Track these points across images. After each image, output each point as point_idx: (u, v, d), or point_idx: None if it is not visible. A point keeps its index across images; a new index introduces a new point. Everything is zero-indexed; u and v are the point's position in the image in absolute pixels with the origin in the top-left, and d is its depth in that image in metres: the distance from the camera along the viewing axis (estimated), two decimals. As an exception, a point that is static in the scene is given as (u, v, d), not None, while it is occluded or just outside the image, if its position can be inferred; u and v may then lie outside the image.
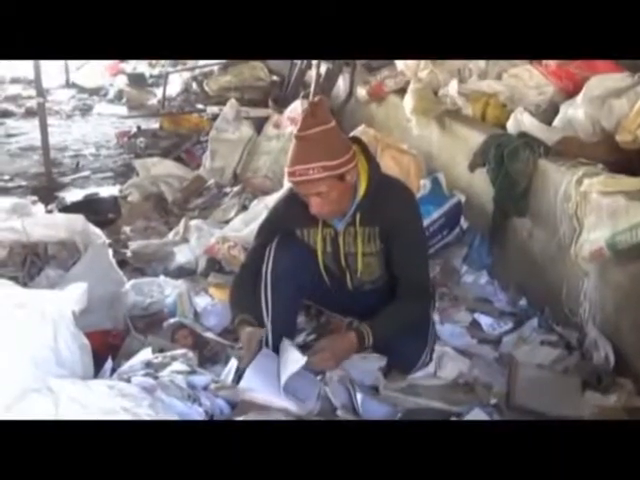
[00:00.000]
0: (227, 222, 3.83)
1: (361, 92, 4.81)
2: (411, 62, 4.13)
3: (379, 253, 2.40)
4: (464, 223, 3.41)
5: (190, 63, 8.54)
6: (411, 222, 2.39)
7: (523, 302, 2.96)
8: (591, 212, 2.45)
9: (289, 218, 2.43)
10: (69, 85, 8.96)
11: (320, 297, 2.62)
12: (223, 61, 7.08)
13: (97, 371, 2.17)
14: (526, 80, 3.42)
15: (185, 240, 3.66)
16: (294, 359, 2.18)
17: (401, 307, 2.36)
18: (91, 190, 4.90)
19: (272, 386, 2.16)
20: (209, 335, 2.67)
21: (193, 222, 3.79)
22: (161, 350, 2.37)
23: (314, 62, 5.54)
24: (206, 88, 6.97)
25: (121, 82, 8.66)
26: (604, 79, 2.94)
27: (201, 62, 7.91)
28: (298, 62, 5.93)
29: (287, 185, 2.50)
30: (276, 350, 2.32)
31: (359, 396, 2.23)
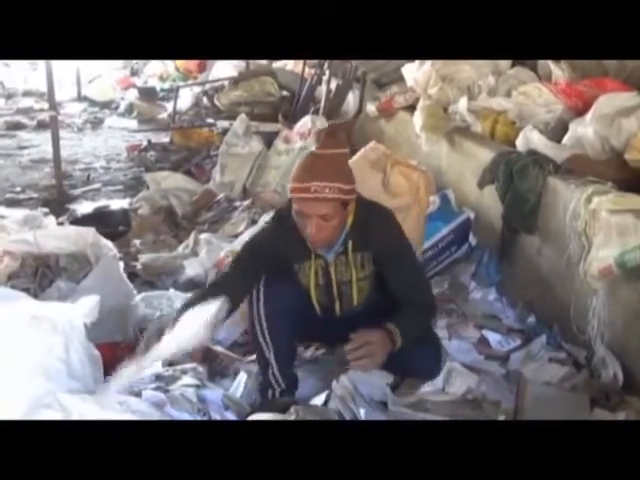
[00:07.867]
0: (236, 236, 3.84)
1: (371, 108, 4.84)
2: (421, 79, 4.16)
3: (371, 276, 2.39)
4: (473, 240, 3.42)
5: (201, 78, 8.62)
6: (402, 242, 2.38)
7: (531, 319, 2.95)
8: (600, 230, 2.45)
9: (279, 245, 2.33)
10: (81, 98, 9.05)
11: (307, 330, 2.51)
12: (234, 75, 7.15)
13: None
14: (535, 98, 3.43)
15: (195, 253, 3.68)
16: None
17: (412, 315, 2.32)
18: (102, 203, 4.97)
19: None
20: (218, 349, 2.68)
21: (203, 236, 3.82)
22: (170, 364, 2.38)
23: (324, 78, 5.59)
24: (217, 102, 7.04)
25: (132, 96, 8.74)
26: (613, 98, 2.95)
27: (212, 77, 7.99)
28: (308, 77, 5.97)
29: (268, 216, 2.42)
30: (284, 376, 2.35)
31: (362, 411, 2.23)
